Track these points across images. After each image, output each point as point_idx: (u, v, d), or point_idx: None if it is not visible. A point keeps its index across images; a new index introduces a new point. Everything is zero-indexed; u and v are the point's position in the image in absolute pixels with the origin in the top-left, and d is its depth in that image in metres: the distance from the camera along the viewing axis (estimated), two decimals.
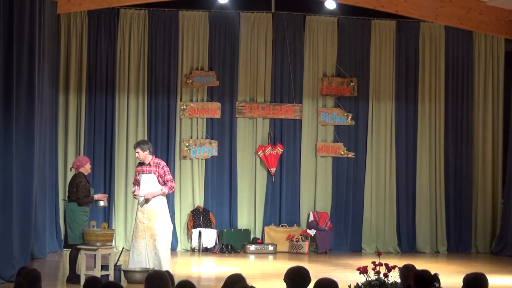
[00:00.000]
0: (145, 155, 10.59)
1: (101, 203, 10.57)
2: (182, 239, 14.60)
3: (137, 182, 10.74)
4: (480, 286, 5.48)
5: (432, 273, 5.64)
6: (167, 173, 10.61)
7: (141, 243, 10.43)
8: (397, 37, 15.24)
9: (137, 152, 10.62)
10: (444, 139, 15.27)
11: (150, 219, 10.47)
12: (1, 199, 9.88)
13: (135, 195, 10.72)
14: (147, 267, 10.24)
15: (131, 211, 14.38)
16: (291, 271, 5.59)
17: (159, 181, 10.56)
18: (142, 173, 10.62)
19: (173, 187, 10.72)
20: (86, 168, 10.46)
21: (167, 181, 10.57)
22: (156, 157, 10.86)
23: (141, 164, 10.69)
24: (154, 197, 10.48)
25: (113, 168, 14.37)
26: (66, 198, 10.58)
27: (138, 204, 10.69)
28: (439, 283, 5.58)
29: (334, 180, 15.06)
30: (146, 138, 14.46)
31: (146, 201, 10.48)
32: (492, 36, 15.33)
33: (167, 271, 5.93)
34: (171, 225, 10.83)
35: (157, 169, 10.58)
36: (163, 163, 10.73)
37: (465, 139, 15.32)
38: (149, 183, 10.53)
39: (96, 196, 10.46)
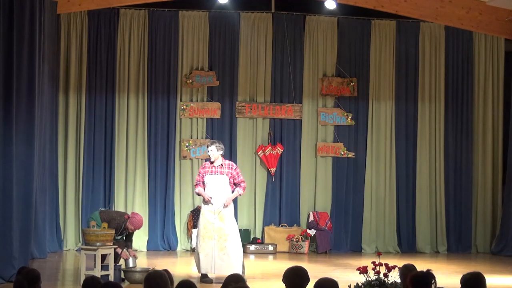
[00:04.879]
0: (218, 156, 10.45)
1: (130, 263, 10.38)
2: (182, 239, 14.61)
3: (201, 183, 10.53)
4: (478, 285, 5.47)
5: (425, 270, 5.63)
6: (240, 174, 10.48)
7: (209, 244, 10.32)
8: (397, 37, 15.24)
9: (211, 151, 10.44)
10: (444, 139, 15.27)
11: (222, 220, 10.34)
12: (1, 199, 9.88)
13: (205, 201, 10.44)
14: (212, 269, 10.26)
15: (131, 211, 14.38)
16: (289, 271, 5.59)
17: (230, 182, 10.41)
18: (211, 174, 10.44)
19: (245, 187, 10.62)
20: (130, 227, 10.35)
21: (241, 182, 10.45)
22: (225, 159, 10.68)
23: (207, 164, 10.53)
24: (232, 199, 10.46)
25: (113, 168, 14.37)
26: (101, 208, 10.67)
27: (203, 203, 10.51)
28: (434, 278, 5.59)
29: (334, 180, 15.06)
30: (146, 138, 14.53)
31: (225, 207, 10.39)
32: (492, 36, 15.33)
33: (166, 271, 5.88)
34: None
35: (231, 171, 10.41)
36: (235, 165, 10.66)
37: (465, 139, 15.32)
38: (221, 185, 10.39)
39: (118, 251, 10.19)
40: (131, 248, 10.72)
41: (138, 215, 10.60)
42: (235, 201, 14.69)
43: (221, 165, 10.46)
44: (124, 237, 10.51)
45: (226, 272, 9.69)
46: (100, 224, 10.06)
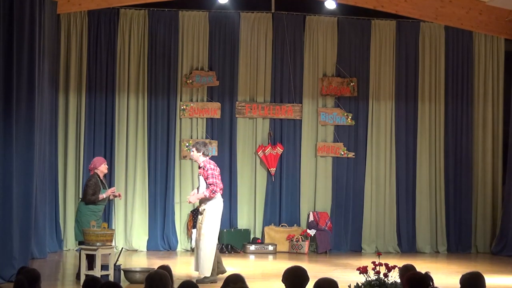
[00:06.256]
0: (198, 157, 10.33)
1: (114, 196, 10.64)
2: (182, 239, 14.61)
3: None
4: (477, 285, 5.48)
5: (423, 272, 5.64)
6: (209, 176, 10.13)
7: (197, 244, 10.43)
8: (397, 37, 15.24)
9: (191, 151, 10.44)
10: (444, 139, 15.27)
11: (201, 219, 10.32)
12: (1, 199, 9.88)
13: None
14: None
15: (131, 211, 14.41)
16: (288, 271, 5.60)
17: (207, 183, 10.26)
18: (198, 176, 10.52)
19: (214, 191, 10.11)
20: (101, 169, 10.51)
21: (209, 184, 10.12)
22: (209, 160, 10.47)
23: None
24: (198, 199, 10.36)
25: (113, 168, 14.35)
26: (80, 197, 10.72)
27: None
28: (432, 280, 5.59)
29: (334, 180, 15.06)
30: (146, 138, 14.53)
31: (199, 203, 10.47)
32: (492, 36, 15.33)
33: (168, 269, 5.88)
34: (218, 229, 10.41)
35: (203, 171, 10.24)
36: (208, 165, 10.24)
37: (465, 139, 15.32)
38: (201, 186, 10.33)
39: (104, 195, 10.39)
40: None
41: (94, 158, 10.91)
42: (234, 200, 14.80)
43: (199, 166, 10.44)
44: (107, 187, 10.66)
45: (195, 271, 10.27)
46: (96, 210, 10.25)
